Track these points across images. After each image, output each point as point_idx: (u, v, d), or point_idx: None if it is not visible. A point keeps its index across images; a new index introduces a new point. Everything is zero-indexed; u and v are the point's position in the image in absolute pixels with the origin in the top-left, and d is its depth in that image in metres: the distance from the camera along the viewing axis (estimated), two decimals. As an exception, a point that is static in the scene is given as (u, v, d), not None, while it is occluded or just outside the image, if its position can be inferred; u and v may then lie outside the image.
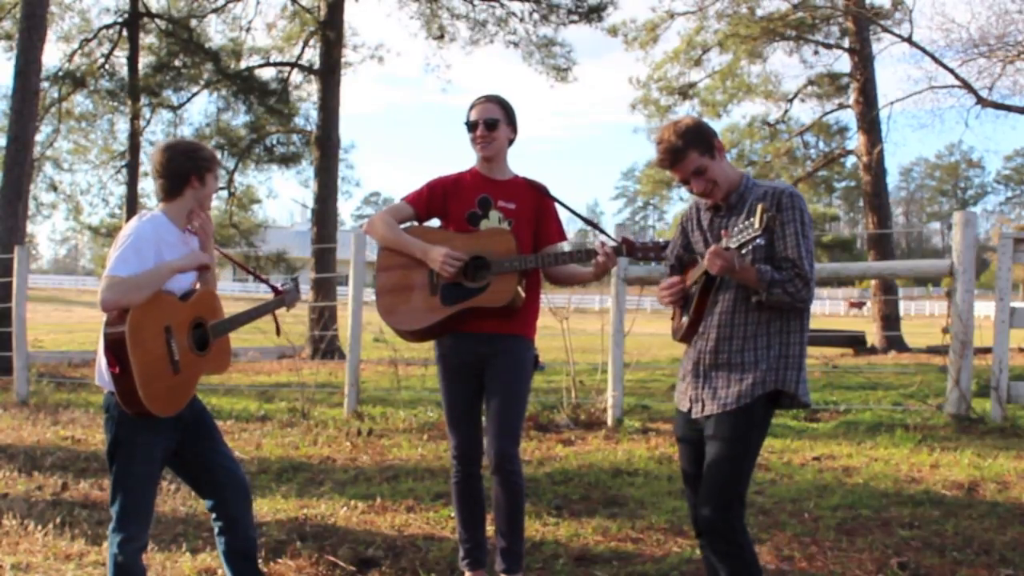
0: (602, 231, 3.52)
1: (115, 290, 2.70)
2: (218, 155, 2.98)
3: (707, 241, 2.83)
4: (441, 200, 3.52)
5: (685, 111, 21.54)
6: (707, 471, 2.71)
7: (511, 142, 3.55)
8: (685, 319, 2.86)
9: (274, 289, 3.39)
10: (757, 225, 2.44)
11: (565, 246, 3.62)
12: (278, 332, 3.52)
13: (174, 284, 2.93)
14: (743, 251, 2.57)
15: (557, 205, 3.60)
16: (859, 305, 49.07)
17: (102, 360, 2.81)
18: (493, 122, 3.46)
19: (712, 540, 2.69)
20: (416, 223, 3.56)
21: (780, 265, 2.65)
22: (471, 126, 3.49)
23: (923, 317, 40.65)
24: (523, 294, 3.39)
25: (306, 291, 21.76)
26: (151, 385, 2.75)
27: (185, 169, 2.93)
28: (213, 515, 3.05)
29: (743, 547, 2.67)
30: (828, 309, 51.60)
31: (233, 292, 48.62)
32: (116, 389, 2.75)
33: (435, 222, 3.60)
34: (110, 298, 2.69)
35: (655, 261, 3.31)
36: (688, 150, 2.72)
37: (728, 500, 2.66)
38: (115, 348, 2.70)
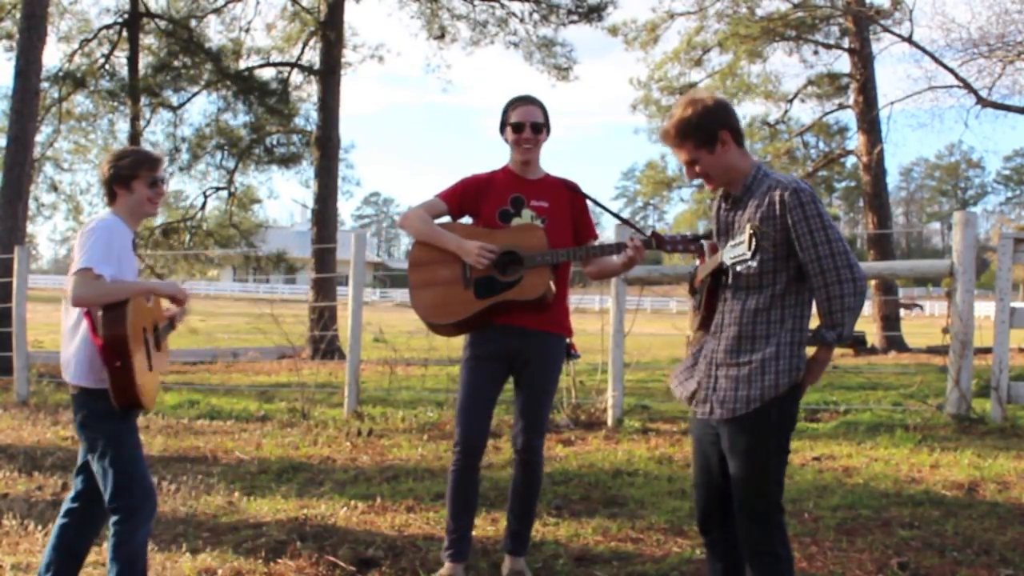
0: (632, 226, 3.59)
1: (95, 288, 2.87)
2: (153, 160, 3.12)
3: (718, 232, 2.79)
4: (474, 197, 3.57)
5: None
6: (733, 484, 2.65)
7: (544, 142, 3.62)
8: (698, 312, 2.83)
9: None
10: (746, 249, 2.41)
11: (595, 241, 3.70)
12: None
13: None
14: (739, 268, 2.55)
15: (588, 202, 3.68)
16: (909, 307, 43.13)
17: (86, 357, 2.94)
18: (539, 126, 3.53)
19: (748, 550, 2.64)
20: (449, 219, 3.61)
21: (809, 274, 2.53)
22: (517, 127, 3.51)
23: (923, 317, 40.63)
24: (554, 288, 3.44)
25: (306, 290, 21.75)
26: (142, 379, 2.94)
27: (108, 179, 3.08)
28: (75, 500, 3.13)
29: (779, 558, 2.60)
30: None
31: (233, 292, 48.66)
32: (113, 383, 2.87)
33: (466, 220, 3.66)
34: (87, 294, 2.86)
35: (684, 254, 3.36)
36: (682, 142, 2.64)
37: (758, 510, 2.60)
38: (117, 345, 2.85)
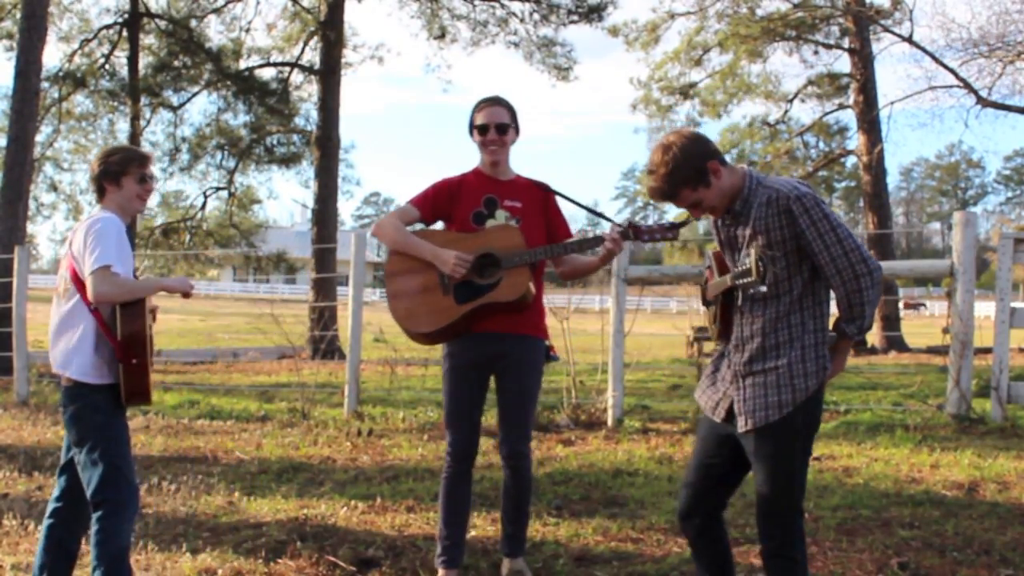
0: (607, 218, 3.55)
1: (117, 286, 2.94)
2: (142, 157, 3.16)
3: (722, 245, 2.80)
4: (446, 201, 3.55)
5: (686, 111, 21.59)
6: (757, 487, 2.65)
7: (513, 142, 3.59)
8: (714, 325, 2.83)
9: None
10: (754, 275, 2.44)
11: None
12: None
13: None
14: (750, 291, 2.57)
15: (561, 199, 3.65)
16: (915, 306, 44.47)
17: (89, 352, 2.98)
18: (504, 127, 3.49)
19: (765, 551, 2.65)
20: (423, 225, 3.59)
21: (826, 275, 2.57)
22: (482, 129, 3.49)
23: (923, 317, 40.65)
24: (534, 289, 3.42)
25: (306, 291, 21.77)
26: (150, 375, 3.03)
27: (98, 175, 3.12)
28: (60, 499, 3.15)
29: (796, 561, 2.62)
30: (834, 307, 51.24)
31: (233, 292, 48.68)
32: (127, 379, 2.95)
33: (440, 224, 3.63)
34: (110, 292, 2.93)
35: (663, 242, 3.34)
36: (677, 192, 2.62)
37: (781, 513, 2.62)
38: (137, 342, 2.95)
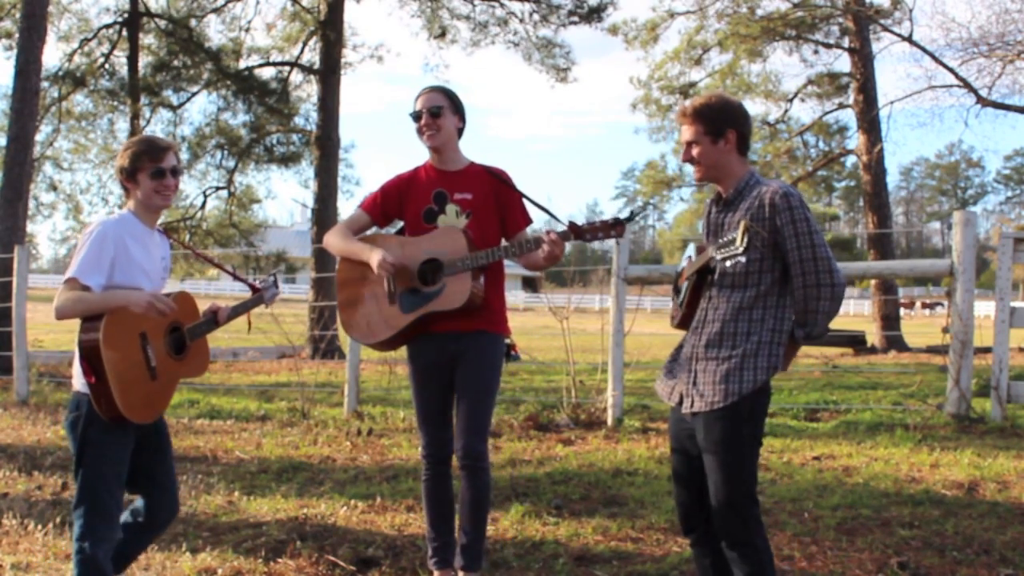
0: (553, 216, 3.45)
1: (69, 301, 2.78)
2: (154, 150, 2.98)
3: (708, 233, 2.86)
4: (396, 201, 3.50)
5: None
6: (709, 477, 2.68)
7: (460, 132, 3.49)
8: (680, 309, 2.89)
9: (252, 287, 3.42)
10: (738, 243, 2.47)
11: (524, 235, 3.50)
12: (249, 329, 3.55)
13: (146, 287, 2.95)
14: (728, 263, 2.59)
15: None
16: (932, 306, 43.57)
17: (79, 366, 2.83)
18: (437, 109, 3.40)
19: (727, 542, 2.67)
20: (377, 228, 3.55)
21: (792, 276, 2.62)
22: (415, 116, 3.42)
23: (923, 317, 40.65)
24: (481, 291, 3.35)
25: (306, 290, 21.78)
26: (129, 393, 2.79)
27: (118, 175, 3.01)
28: (135, 512, 3.07)
29: (758, 549, 2.63)
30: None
31: (233, 292, 48.63)
32: (93, 397, 2.77)
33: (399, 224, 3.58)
34: (62, 307, 2.79)
35: (605, 240, 3.23)
36: (694, 121, 2.72)
37: (735, 501, 2.64)
38: (90, 357, 2.74)
